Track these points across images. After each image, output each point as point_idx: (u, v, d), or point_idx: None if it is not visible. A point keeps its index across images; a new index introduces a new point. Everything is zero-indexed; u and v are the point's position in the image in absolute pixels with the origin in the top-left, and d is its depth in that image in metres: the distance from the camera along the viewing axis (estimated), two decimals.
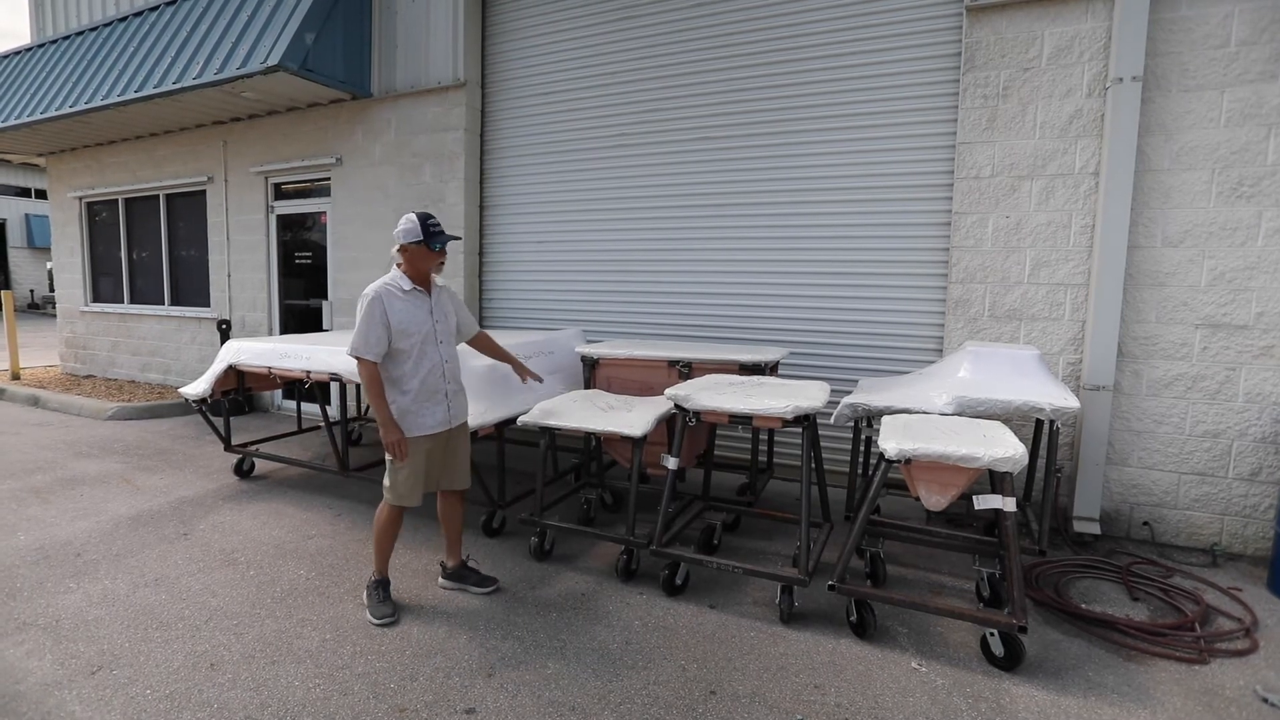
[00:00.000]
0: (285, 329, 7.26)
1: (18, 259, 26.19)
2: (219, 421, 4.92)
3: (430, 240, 2.80)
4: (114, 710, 2.28)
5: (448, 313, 3.02)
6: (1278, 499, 3.51)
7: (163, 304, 8.35)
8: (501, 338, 4.23)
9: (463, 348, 3.26)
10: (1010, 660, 2.56)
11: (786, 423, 2.94)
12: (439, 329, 2.94)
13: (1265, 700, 2.42)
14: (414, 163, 6.13)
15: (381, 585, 2.98)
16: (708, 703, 2.36)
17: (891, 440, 2.66)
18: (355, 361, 4.00)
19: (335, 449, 4.38)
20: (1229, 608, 3.10)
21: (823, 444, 4.46)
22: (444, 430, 2.96)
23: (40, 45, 8.08)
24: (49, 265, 24.47)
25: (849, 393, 3.75)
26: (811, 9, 4.71)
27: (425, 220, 2.81)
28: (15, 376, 8.74)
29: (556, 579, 3.32)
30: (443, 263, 2.90)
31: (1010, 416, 3.24)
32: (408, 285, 2.85)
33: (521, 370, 3.34)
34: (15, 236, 26.01)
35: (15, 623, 2.83)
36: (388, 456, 2.89)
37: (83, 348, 9.24)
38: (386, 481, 2.94)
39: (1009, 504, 2.55)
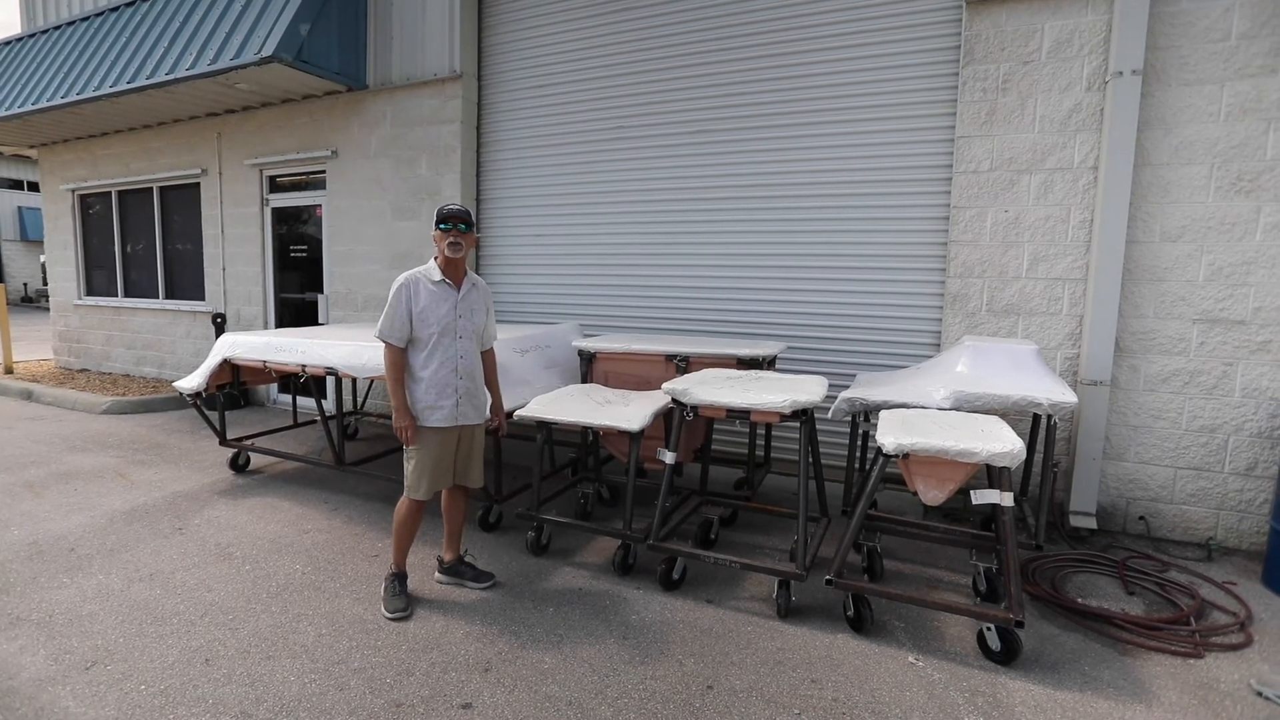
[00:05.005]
0: (281, 323, 7.23)
1: (10, 252, 26.03)
2: (214, 416, 4.89)
3: (439, 221, 2.87)
4: (108, 706, 2.27)
5: (475, 310, 3.01)
6: (1273, 494, 3.52)
7: (157, 297, 8.30)
8: (499, 332, 4.21)
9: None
10: (1007, 655, 2.57)
11: (784, 417, 2.93)
12: (460, 324, 2.94)
13: (1260, 694, 2.43)
14: (410, 155, 6.09)
15: (398, 579, 2.99)
16: (705, 697, 2.36)
17: (889, 435, 2.66)
18: (353, 355, 4.03)
19: (331, 443, 4.36)
20: (1224, 602, 3.11)
21: (820, 438, 4.46)
22: (453, 426, 2.95)
23: (31, 35, 8.00)
24: (42, 258, 24.32)
25: (846, 387, 3.74)
26: (811, 1, 4.68)
27: (442, 208, 2.89)
28: (8, 370, 8.69)
29: (553, 574, 3.31)
30: (454, 241, 2.83)
31: (1008, 411, 3.24)
32: (437, 276, 2.90)
33: (496, 412, 3.23)
34: (7, 229, 25.84)
35: (8, 618, 2.82)
36: (404, 447, 2.95)
37: (77, 341, 9.18)
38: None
39: (1006, 499, 2.55)
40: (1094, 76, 3.83)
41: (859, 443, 3.92)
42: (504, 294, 6.05)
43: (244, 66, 5.55)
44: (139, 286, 8.55)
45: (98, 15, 7.26)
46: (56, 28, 7.70)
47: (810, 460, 3.30)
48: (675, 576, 3.16)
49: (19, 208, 25.98)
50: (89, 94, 6.62)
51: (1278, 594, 3.21)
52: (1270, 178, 3.54)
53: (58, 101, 6.88)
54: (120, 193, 8.47)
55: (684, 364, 3.95)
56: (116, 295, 8.72)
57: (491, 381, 3.20)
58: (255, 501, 4.27)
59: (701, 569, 3.36)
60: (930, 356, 4.35)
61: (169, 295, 8.22)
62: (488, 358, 3.18)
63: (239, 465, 4.90)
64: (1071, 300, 3.98)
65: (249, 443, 4.98)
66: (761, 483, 4.51)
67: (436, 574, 3.21)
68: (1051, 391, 3.13)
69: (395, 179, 6.19)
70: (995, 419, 2.89)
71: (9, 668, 2.47)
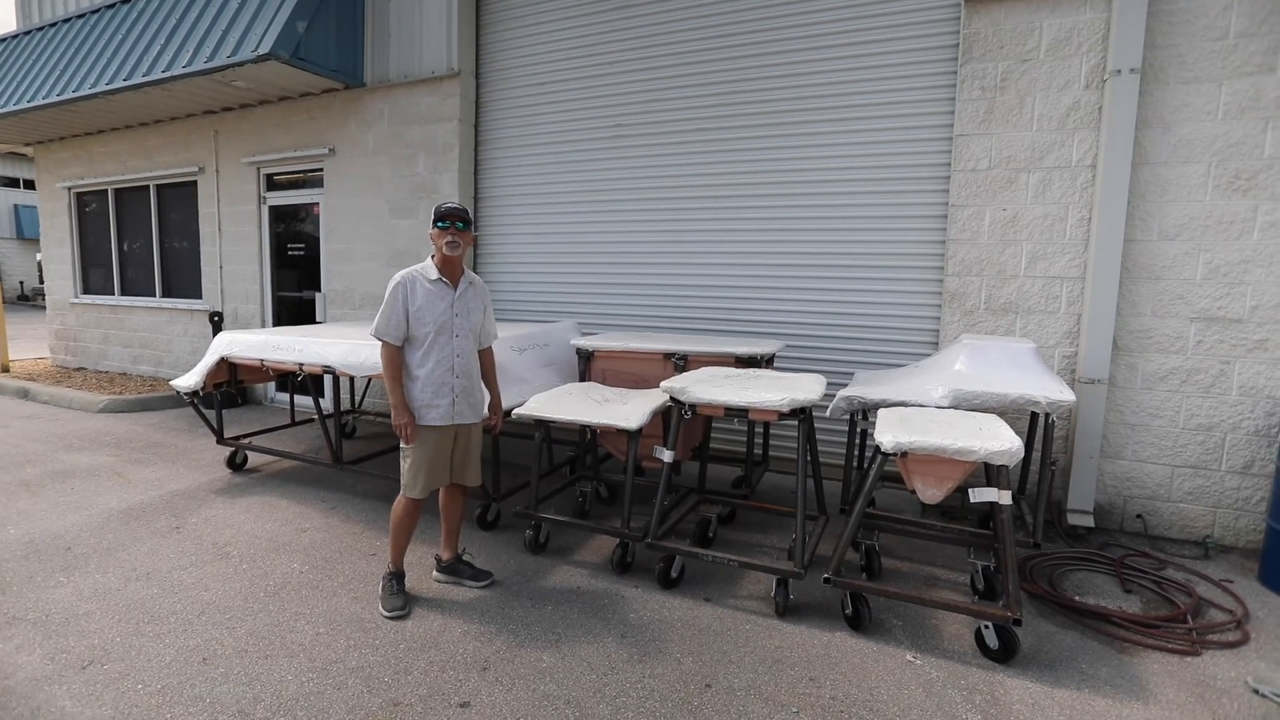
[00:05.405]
0: (278, 321, 7.21)
1: (7, 250, 25.96)
2: (211, 414, 4.88)
3: (437, 220, 2.86)
4: (105, 705, 2.27)
5: (472, 309, 3.00)
6: (1270, 492, 3.53)
7: (154, 296, 8.27)
8: (497, 330, 4.20)
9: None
10: (1005, 653, 2.57)
11: (782, 415, 2.93)
12: (457, 323, 2.94)
13: (1256, 691, 2.43)
14: (408, 153, 6.07)
15: (396, 577, 2.98)
16: (703, 696, 2.36)
17: (888, 433, 2.65)
18: (351, 353, 4.02)
19: (329, 442, 4.35)
20: (1221, 600, 3.11)
21: (818, 437, 4.46)
22: (449, 425, 2.95)
23: (26, 32, 7.96)
24: (38, 257, 24.26)
25: (845, 385, 3.74)
26: None
27: (439, 206, 2.89)
28: (5, 369, 8.66)
29: (552, 572, 3.31)
30: (453, 239, 2.83)
31: (1006, 409, 3.24)
32: (434, 275, 2.90)
33: (494, 410, 3.23)
34: (4, 227, 25.77)
35: (4, 617, 2.81)
36: (401, 446, 2.95)
37: (73, 340, 9.15)
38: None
39: (1004, 497, 2.55)
40: (1092, 75, 3.83)
41: (857, 441, 3.91)
42: (502, 292, 6.04)
43: (241, 64, 5.53)
44: (136, 285, 8.52)
45: (94, 12, 7.22)
46: (53, 25, 7.66)
47: (808, 458, 3.30)
48: (673, 575, 3.16)
49: (15, 206, 25.90)
50: (85, 91, 6.59)
51: (1274, 592, 3.22)
52: (1268, 176, 3.54)
53: (54, 99, 6.85)
54: (117, 191, 8.44)
55: (682, 362, 3.95)
56: (113, 294, 8.69)
57: (490, 379, 3.20)
58: (253, 500, 4.26)
59: (700, 567, 3.36)
60: (928, 355, 4.36)
61: (166, 293, 8.19)
62: (486, 356, 3.18)
63: (236, 464, 4.89)
64: (1069, 299, 3.98)
65: (246, 441, 4.96)
66: (760, 481, 4.51)
67: (434, 572, 3.21)
68: (1049, 390, 3.13)
69: (393, 177, 6.17)
70: (993, 417, 2.89)
71: (5, 667, 2.47)
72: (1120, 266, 3.79)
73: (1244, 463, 3.69)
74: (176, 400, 7.02)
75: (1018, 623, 2.50)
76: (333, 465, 4.39)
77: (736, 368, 3.72)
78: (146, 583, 3.12)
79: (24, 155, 10.82)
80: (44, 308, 11.84)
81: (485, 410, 3.16)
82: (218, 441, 4.88)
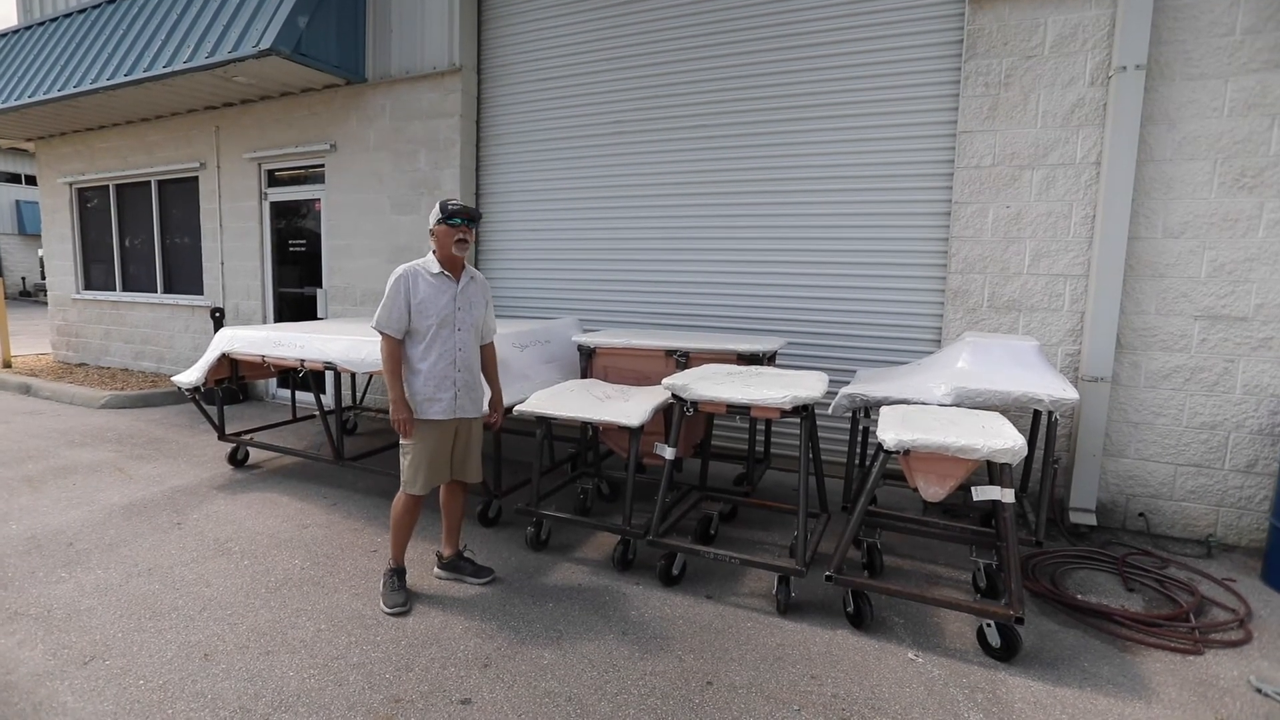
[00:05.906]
0: (279, 317, 7.21)
1: (8, 246, 25.98)
2: (213, 410, 4.88)
3: (447, 217, 2.85)
4: (106, 701, 2.27)
5: (474, 303, 3.01)
6: (1273, 491, 3.52)
7: (155, 292, 8.27)
8: (498, 327, 4.19)
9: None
10: (1007, 651, 2.56)
11: (784, 413, 2.92)
12: (459, 317, 2.94)
13: (1259, 690, 2.43)
14: (409, 149, 6.06)
15: (397, 574, 2.98)
16: (704, 693, 2.36)
17: (890, 431, 2.65)
18: (352, 349, 4.02)
19: (330, 438, 4.35)
20: (1224, 599, 3.10)
21: (820, 434, 4.45)
22: (451, 420, 2.95)
23: (27, 27, 7.95)
24: (40, 252, 24.26)
25: (847, 383, 3.73)
26: None
27: (446, 203, 2.89)
28: (7, 364, 8.67)
29: (553, 569, 3.30)
30: (463, 238, 2.84)
31: (1009, 407, 3.23)
32: (436, 269, 2.90)
33: (495, 407, 3.22)
34: (5, 223, 25.79)
35: (6, 612, 2.81)
36: (401, 442, 2.94)
37: (75, 336, 9.16)
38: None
39: (1007, 495, 2.54)
40: (1097, 71, 3.81)
41: (859, 439, 3.91)
42: (503, 289, 6.03)
43: (242, 59, 5.52)
44: (137, 280, 8.52)
45: (95, 7, 7.20)
46: (54, 20, 7.64)
47: (810, 456, 3.30)
48: (675, 572, 3.16)
49: (16, 201, 25.92)
50: (86, 86, 6.58)
51: (1277, 591, 3.21)
52: (1273, 174, 3.52)
53: (55, 94, 6.84)
54: (118, 186, 8.44)
55: (684, 359, 3.94)
56: (115, 289, 8.69)
57: (491, 375, 3.20)
58: (254, 496, 4.26)
59: (701, 565, 3.35)
60: (931, 352, 4.34)
61: (167, 289, 8.19)
62: (487, 351, 3.17)
63: (238, 460, 4.89)
64: (1073, 296, 3.97)
65: (248, 437, 4.97)
66: (761, 478, 4.51)
67: (435, 569, 3.21)
68: (1052, 388, 3.12)
69: (394, 173, 6.16)
70: (996, 415, 2.88)
71: (7, 662, 2.47)
72: (1124, 264, 3.78)
73: (1247, 461, 3.68)
74: (178, 396, 7.02)
75: (1020, 621, 2.49)
76: (334, 461, 4.39)
77: (738, 365, 3.72)
78: (148, 578, 3.12)
79: (25, 150, 10.82)
80: (45, 303, 11.86)
81: (485, 406, 3.16)
82: (219, 438, 4.89)
